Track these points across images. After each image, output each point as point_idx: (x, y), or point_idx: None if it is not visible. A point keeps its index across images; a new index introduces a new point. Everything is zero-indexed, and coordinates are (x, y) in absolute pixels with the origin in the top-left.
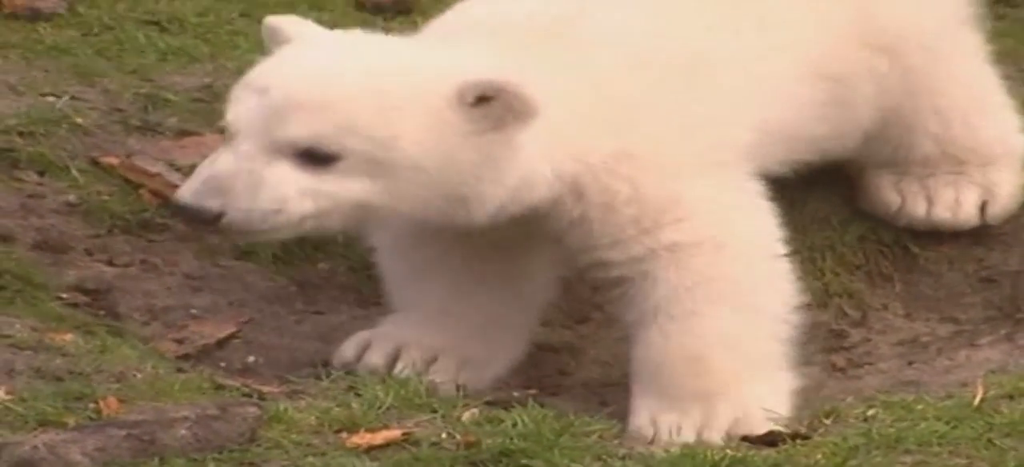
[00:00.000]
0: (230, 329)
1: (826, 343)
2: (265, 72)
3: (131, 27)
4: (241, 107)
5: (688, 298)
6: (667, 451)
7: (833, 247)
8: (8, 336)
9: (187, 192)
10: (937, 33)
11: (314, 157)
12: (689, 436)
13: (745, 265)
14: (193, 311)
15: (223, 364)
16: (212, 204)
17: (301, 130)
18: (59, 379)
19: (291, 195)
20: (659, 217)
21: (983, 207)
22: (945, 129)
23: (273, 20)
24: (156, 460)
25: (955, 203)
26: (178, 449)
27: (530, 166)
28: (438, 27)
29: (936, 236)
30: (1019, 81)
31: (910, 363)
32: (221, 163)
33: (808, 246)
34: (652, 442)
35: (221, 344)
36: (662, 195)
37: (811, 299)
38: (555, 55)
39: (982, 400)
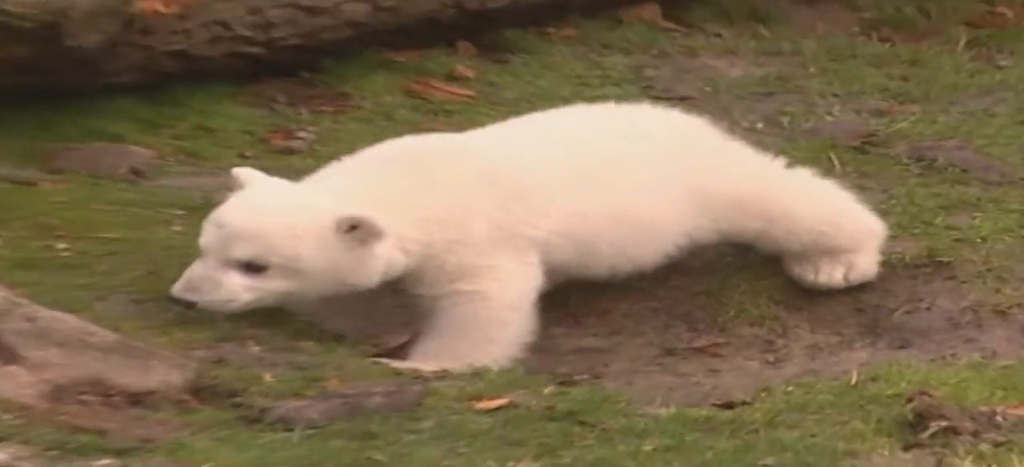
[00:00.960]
0: (404, 339)
1: (762, 348)
2: (223, 211)
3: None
4: (208, 235)
5: (460, 321)
6: (665, 410)
7: (768, 290)
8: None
9: (176, 288)
10: (765, 194)
11: (251, 267)
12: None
13: (494, 310)
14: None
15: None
16: (190, 297)
17: (242, 252)
18: (303, 369)
19: (238, 292)
20: (463, 276)
21: (846, 275)
22: (811, 238)
23: (236, 171)
24: (361, 417)
25: (829, 275)
26: (374, 410)
27: (390, 259)
28: (343, 163)
29: None
30: None
31: (813, 359)
32: (195, 270)
33: (754, 289)
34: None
35: (401, 348)
36: (467, 264)
37: (753, 320)
38: (414, 180)
39: (856, 381)
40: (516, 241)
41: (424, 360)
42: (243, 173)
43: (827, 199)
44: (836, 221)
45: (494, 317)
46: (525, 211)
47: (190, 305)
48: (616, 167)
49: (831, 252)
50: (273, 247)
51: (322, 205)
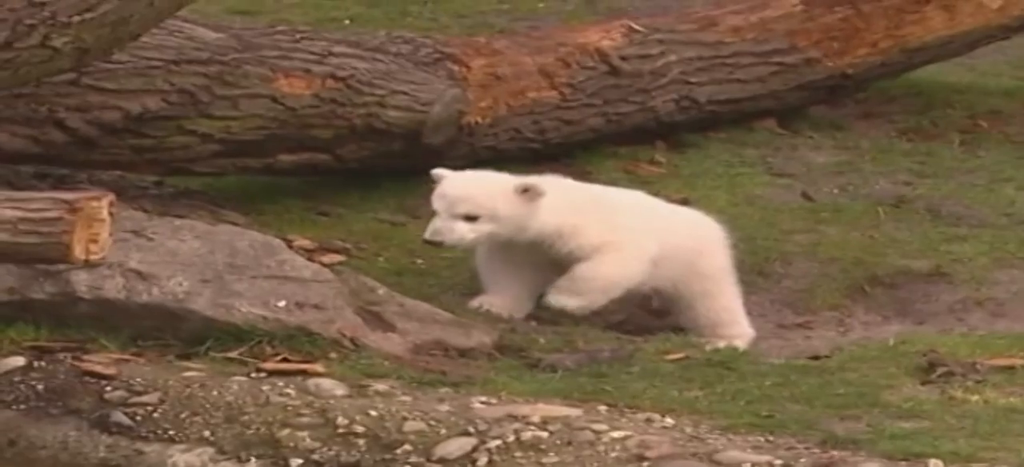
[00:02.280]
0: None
1: (836, 324)
2: (445, 186)
3: None
4: (438, 201)
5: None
6: (778, 360)
7: (839, 289)
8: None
9: (426, 235)
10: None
11: (469, 218)
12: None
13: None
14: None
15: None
16: (437, 239)
17: (462, 208)
18: (562, 335)
19: (464, 233)
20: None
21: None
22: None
23: (436, 171)
24: (596, 364)
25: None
26: (604, 360)
27: (543, 220)
28: None
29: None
30: None
31: (866, 330)
32: (435, 224)
33: (830, 288)
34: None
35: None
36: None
37: (831, 306)
38: (563, 193)
39: (892, 344)
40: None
41: (557, 291)
42: (440, 171)
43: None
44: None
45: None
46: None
47: (438, 245)
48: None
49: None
50: (480, 203)
51: (508, 178)
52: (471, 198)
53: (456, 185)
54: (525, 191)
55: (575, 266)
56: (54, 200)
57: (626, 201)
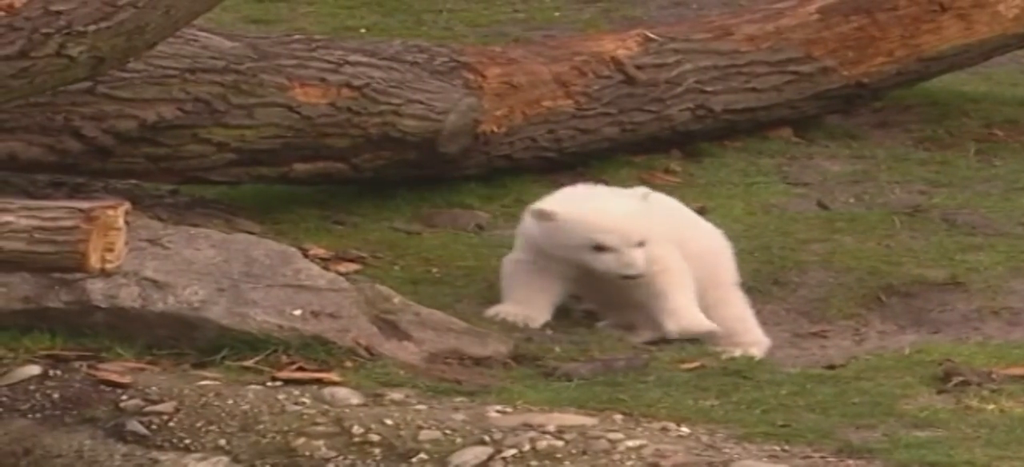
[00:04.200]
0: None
1: (851, 333)
2: (616, 221)
3: None
4: (611, 237)
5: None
6: (794, 369)
7: (854, 299)
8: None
9: (628, 270)
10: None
11: (640, 244)
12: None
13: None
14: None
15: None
16: (635, 272)
17: (637, 237)
18: (577, 344)
19: (643, 260)
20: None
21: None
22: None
23: (549, 209)
24: (612, 373)
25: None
26: (619, 369)
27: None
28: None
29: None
30: None
31: (882, 339)
32: (625, 256)
33: (846, 297)
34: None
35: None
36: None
37: (846, 316)
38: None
39: (908, 353)
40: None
41: (673, 319)
42: (552, 208)
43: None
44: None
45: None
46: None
47: (636, 278)
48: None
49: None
50: (648, 228)
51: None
52: (643, 226)
53: (625, 215)
54: None
55: (665, 292)
56: (70, 209)
57: (659, 208)
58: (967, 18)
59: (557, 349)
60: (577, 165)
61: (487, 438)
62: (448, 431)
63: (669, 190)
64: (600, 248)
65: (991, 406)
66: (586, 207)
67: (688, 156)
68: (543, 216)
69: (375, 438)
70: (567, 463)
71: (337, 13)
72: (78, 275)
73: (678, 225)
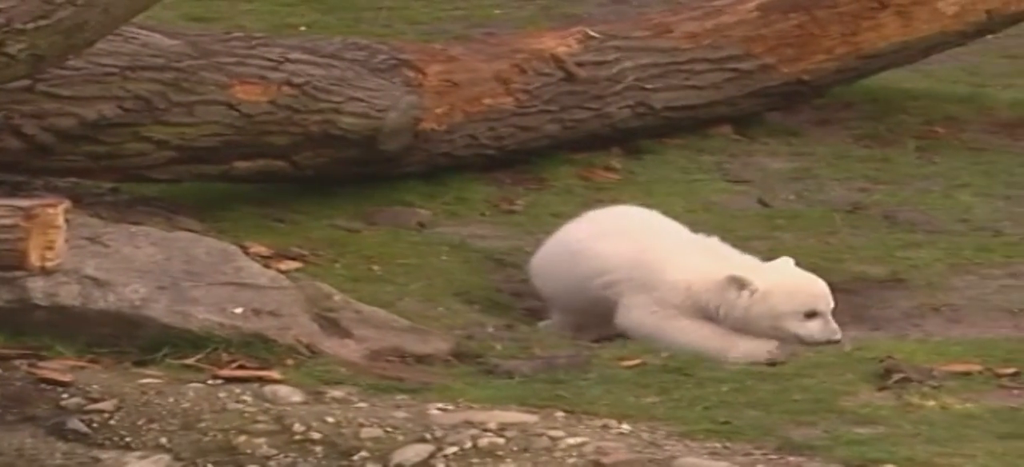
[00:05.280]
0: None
1: None
2: (824, 289)
3: None
4: (823, 303)
5: None
6: (735, 366)
7: None
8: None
9: (838, 335)
10: None
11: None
12: None
13: None
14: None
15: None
16: (839, 337)
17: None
18: (518, 341)
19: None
20: None
21: None
22: None
23: (750, 280)
24: (553, 370)
25: None
26: (560, 367)
27: None
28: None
29: None
30: None
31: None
32: (832, 324)
33: None
34: None
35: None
36: None
37: None
38: None
39: (849, 350)
40: None
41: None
42: (749, 278)
43: None
44: None
45: None
46: None
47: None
48: None
49: None
50: None
51: None
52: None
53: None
54: None
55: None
56: (9, 207)
57: None
58: (907, 15)
59: (498, 347)
60: (518, 163)
61: (428, 436)
62: (389, 429)
63: (610, 188)
64: (812, 315)
65: (932, 402)
66: (795, 276)
67: (628, 153)
68: (743, 286)
69: (316, 436)
70: (508, 460)
71: (277, 11)
72: (18, 273)
73: None
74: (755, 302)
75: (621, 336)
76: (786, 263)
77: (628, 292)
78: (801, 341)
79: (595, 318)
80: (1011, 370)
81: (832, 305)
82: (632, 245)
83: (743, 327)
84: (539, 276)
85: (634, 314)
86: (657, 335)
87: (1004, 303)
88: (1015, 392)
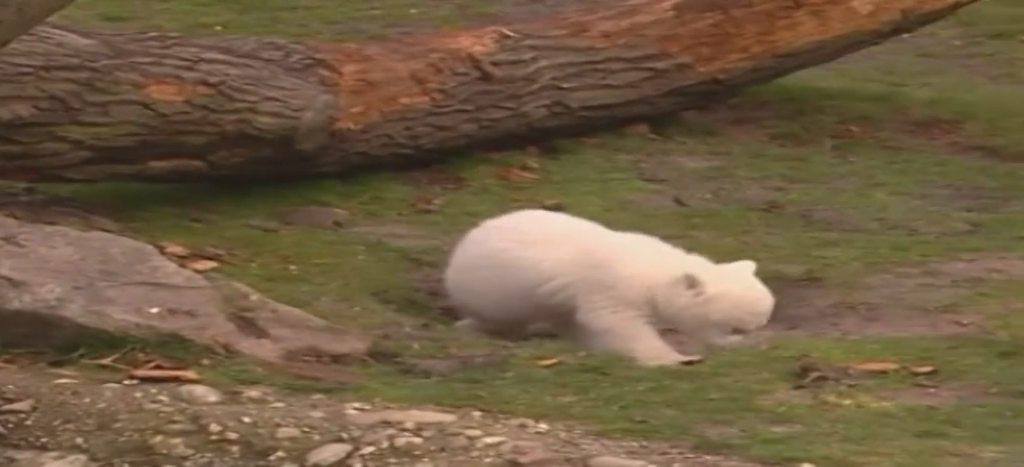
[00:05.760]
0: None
1: None
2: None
3: None
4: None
5: None
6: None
7: None
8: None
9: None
10: None
11: None
12: None
13: None
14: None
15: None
16: None
17: None
18: (436, 341)
19: None
20: None
21: None
22: None
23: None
24: (470, 370)
25: None
26: (478, 366)
27: None
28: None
29: None
30: None
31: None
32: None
33: None
34: None
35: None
36: None
37: None
38: None
39: (765, 349)
40: None
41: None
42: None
43: None
44: None
45: None
46: None
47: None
48: None
49: None
50: None
51: None
52: None
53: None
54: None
55: None
56: None
57: None
58: (822, 15)
59: (415, 346)
60: (434, 162)
61: (345, 435)
62: (306, 429)
63: (526, 187)
64: (739, 331)
65: (848, 401)
66: (745, 289)
67: (545, 153)
68: (692, 285)
69: (233, 436)
70: (425, 460)
71: (192, 10)
72: None
73: None
74: (704, 303)
75: (537, 336)
76: (747, 268)
77: (583, 293)
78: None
79: (521, 325)
80: (927, 368)
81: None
82: (574, 247)
83: (692, 328)
84: (461, 290)
85: (596, 314)
86: (621, 335)
87: (920, 302)
88: (931, 390)
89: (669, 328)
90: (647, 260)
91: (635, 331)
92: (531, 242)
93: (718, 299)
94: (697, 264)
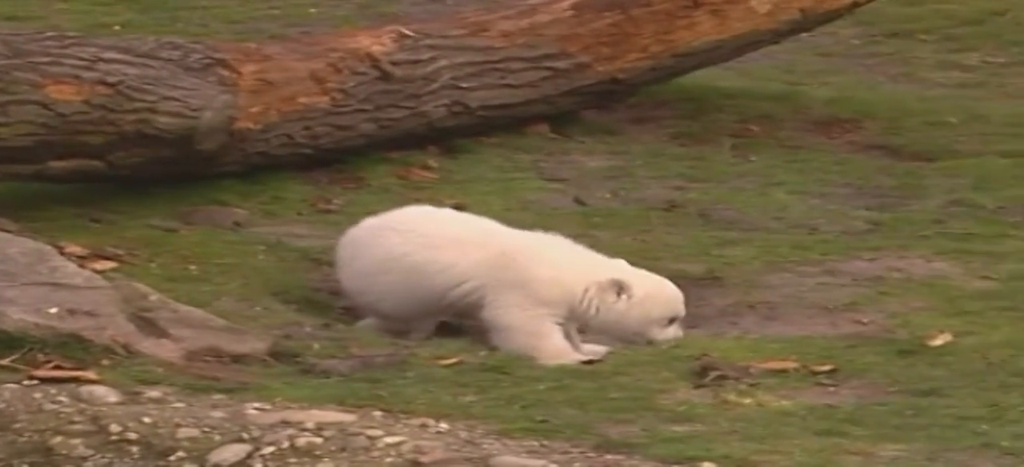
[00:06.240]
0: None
1: None
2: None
3: None
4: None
5: None
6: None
7: None
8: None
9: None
10: None
11: None
12: None
13: None
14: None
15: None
16: None
17: None
18: (336, 341)
19: None
20: None
21: None
22: None
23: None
24: (371, 370)
25: None
26: (378, 366)
27: None
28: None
29: None
30: None
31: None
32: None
33: None
34: None
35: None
36: None
37: None
38: None
39: (665, 347)
40: None
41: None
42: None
43: None
44: None
45: None
46: None
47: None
48: None
49: None
50: None
51: None
52: None
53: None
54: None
55: None
56: None
57: None
58: (721, 14)
59: (316, 346)
60: (334, 162)
61: (246, 435)
62: (206, 429)
63: (427, 187)
64: (672, 321)
65: (748, 400)
66: (661, 283)
67: (445, 152)
68: (623, 290)
69: (133, 436)
70: (326, 460)
71: (91, 10)
72: None
73: None
74: (631, 307)
75: (439, 335)
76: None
77: (494, 292)
78: (650, 343)
79: (427, 323)
80: (827, 367)
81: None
82: (484, 248)
83: (609, 329)
84: (363, 293)
85: (504, 311)
86: (526, 332)
87: (820, 300)
88: (831, 389)
89: (578, 329)
90: (565, 261)
91: (542, 329)
92: (440, 244)
93: (648, 298)
94: (619, 268)
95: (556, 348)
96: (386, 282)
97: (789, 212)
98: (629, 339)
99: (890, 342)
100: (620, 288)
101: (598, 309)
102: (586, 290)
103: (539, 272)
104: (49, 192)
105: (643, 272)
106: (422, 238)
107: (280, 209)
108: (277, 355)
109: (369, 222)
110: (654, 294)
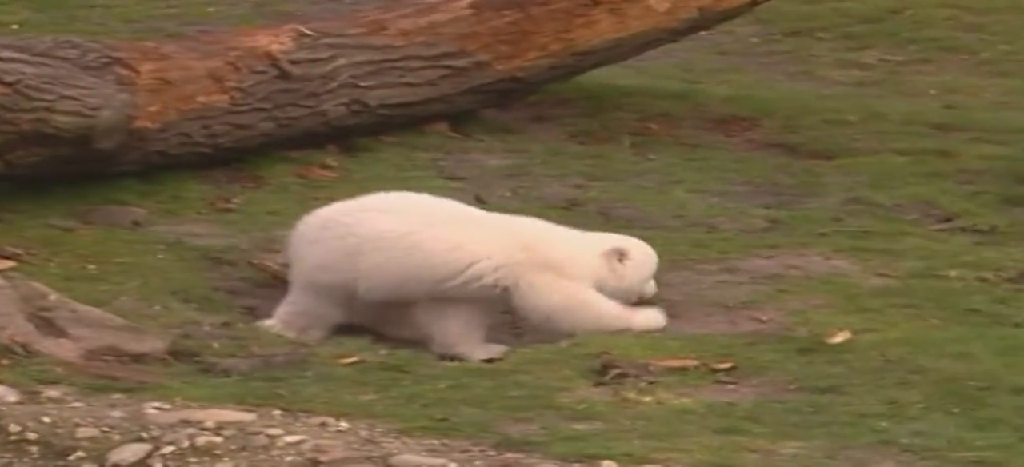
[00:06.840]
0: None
1: (508, 328)
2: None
3: None
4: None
5: None
6: (453, 364)
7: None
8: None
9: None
10: None
11: None
12: None
13: None
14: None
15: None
16: None
17: None
18: (236, 340)
19: None
20: None
21: None
22: None
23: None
24: (270, 369)
25: None
26: (278, 365)
27: None
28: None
29: None
30: None
31: (539, 333)
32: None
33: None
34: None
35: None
36: None
37: (506, 312)
38: None
39: (565, 345)
40: None
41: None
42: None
43: None
44: None
45: None
46: None
47: None
48: None
49: None
50: None
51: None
52: None
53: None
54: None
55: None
56: None
57: None
58: (620, 12)
59: (215, 345)
60: (234, 161)
61: (145, 435)
62: (106, 428)
63: (326, 185)
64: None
65: (648, 398)
66: (637, 243)
67: (344, 151)
68: (623, 256)
69: (32, 436)
70: (226, 459)
71: None
72: None
73: None
74: (631, 269)
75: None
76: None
77: (524, 275)
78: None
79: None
80: (726, 365)
81: None
82: (497, 230)
83: (619, 294)
84: (369, 290)
85: (546, 294)
86: (574, 308)
87: (719, 298)
88: (730, 387)
89: None
90: (570, 238)
91: (590, 297)
92: (440, 232)
93: (640, 258)
94: (610, 237)
95: (617, 309)
96: (385, 270)
97: (688, 210)
98: (629, 299)
99: (789, 340)
100: (621, 255)
101: (613, 279)
102: (604, 259)
103: (561, 250)
104: None
105: (623, 237)
106: (424, 218)
107: (179, 208)
108: (176, 354)
109: (346, 203)
110: (644, 253)
